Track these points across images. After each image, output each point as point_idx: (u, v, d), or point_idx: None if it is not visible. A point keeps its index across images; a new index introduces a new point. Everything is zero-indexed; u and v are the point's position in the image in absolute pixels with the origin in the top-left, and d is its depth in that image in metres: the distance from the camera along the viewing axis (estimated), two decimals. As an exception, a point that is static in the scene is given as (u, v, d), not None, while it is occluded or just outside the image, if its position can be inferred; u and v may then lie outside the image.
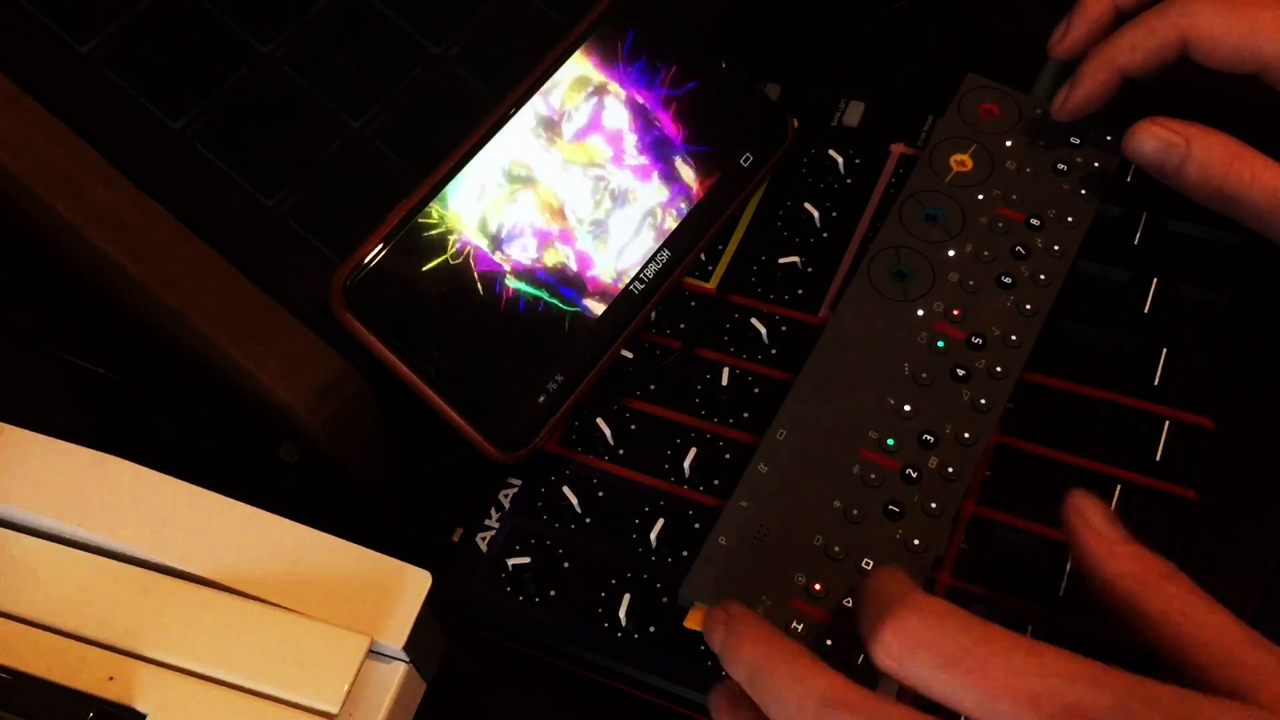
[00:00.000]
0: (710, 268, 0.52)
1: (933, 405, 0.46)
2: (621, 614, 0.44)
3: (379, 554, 0.43)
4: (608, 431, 0.48)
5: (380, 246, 0.46)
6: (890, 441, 0.46)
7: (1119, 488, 0.45)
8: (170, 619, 0.42)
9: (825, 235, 0.52)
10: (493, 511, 0.48)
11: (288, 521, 0.44)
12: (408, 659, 0.43)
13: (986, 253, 0.49)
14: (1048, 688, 0.33)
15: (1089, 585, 0.39)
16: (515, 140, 0.49)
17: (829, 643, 0.42)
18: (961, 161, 0.52)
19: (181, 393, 0.53)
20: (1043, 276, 0.49)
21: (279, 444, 0.51)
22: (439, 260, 0.47)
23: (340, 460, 0.48)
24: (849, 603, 0.42)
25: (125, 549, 0.43)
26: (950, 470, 0.45)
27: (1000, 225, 0.50)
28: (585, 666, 0.46)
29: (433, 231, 0.47)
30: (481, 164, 0.48)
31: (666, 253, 0.51)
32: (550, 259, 0.49)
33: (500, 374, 0.47)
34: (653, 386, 0.50)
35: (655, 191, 0.51)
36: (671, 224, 0.51)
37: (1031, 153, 0.51)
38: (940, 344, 0.47)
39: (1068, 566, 0.44)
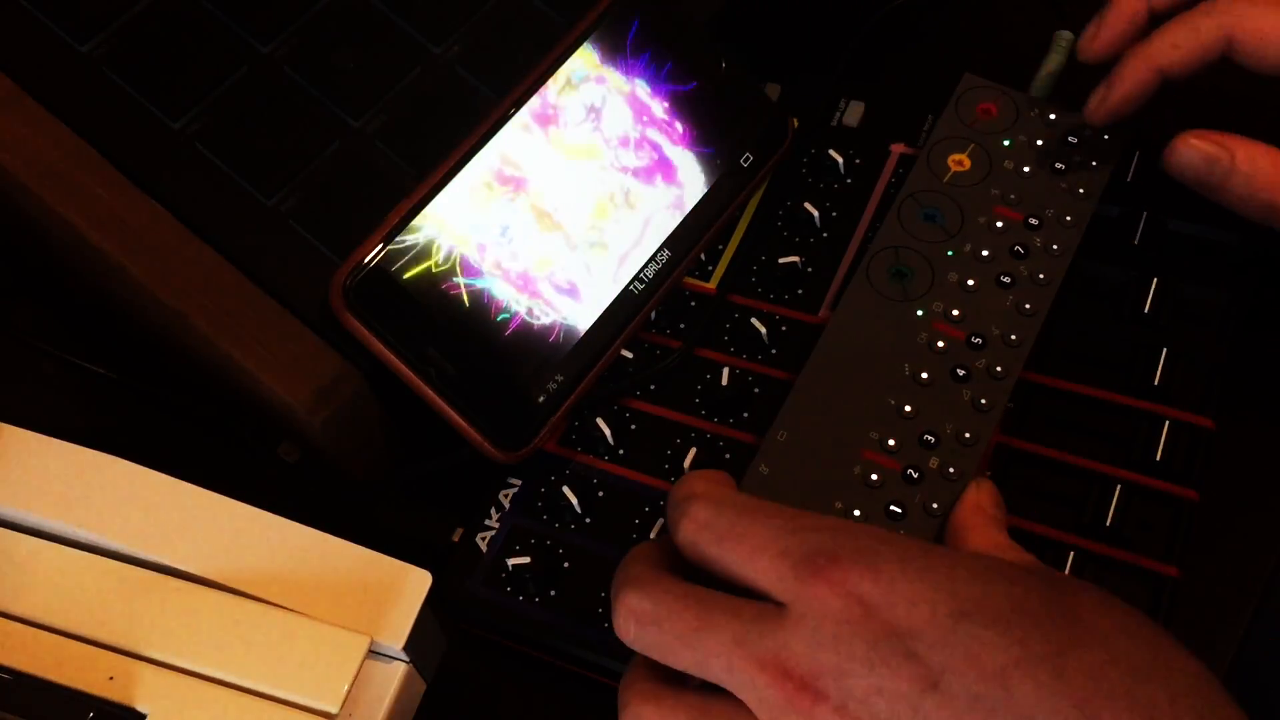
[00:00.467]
0: (710, 268, 0.52)
1: (933, 405, 0.46)
2: (621, 614, 0.44)
3: (379, 554, 0.43)
4: (608, 431, 0.48)
5: (380, 246, 0.46)
6: (891, 442, 0.46)
7: (1119, 488, 0.45)
8: (170, 619, 0.42)
9: (825, 235, 0.52)
10: (493, 511, 0.48)
11: (288, 521, 0.44)
12: (408, 659, 0.43)
13: (985, 252, 0.49)
14: (796, 540, 0.37)
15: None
16: (515, 140, 0.49)
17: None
18: (960, 161, 0.52)
19: (181, 393, 0.53)
20: (1042, 276, 0.49)
21: (279, 444, 0.51)
22: (439, 260, 0.47)
23: (340, 460, 0.48)
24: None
25: (125, 549, 0.43)
26: (951, 470, 0.45)
27: (999, 225, 0.50)
28: (585, 666, 0.46)
29: (433, 231, 0.47)
30: (481, 164, 0.48)
31: (666, 253, 0.51)
32: (550, 259, 0.49)
33: (500, 373, 0.47)
34: (653, 386, 0.50)
35: (655, 192, 0.51)
36: (671, 224, 0.51)
37: (1030, 152, 0.51)
38: (940, 344, 0.47)
39: (1069, 561, 0.44)
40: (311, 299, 0.47)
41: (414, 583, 0.43)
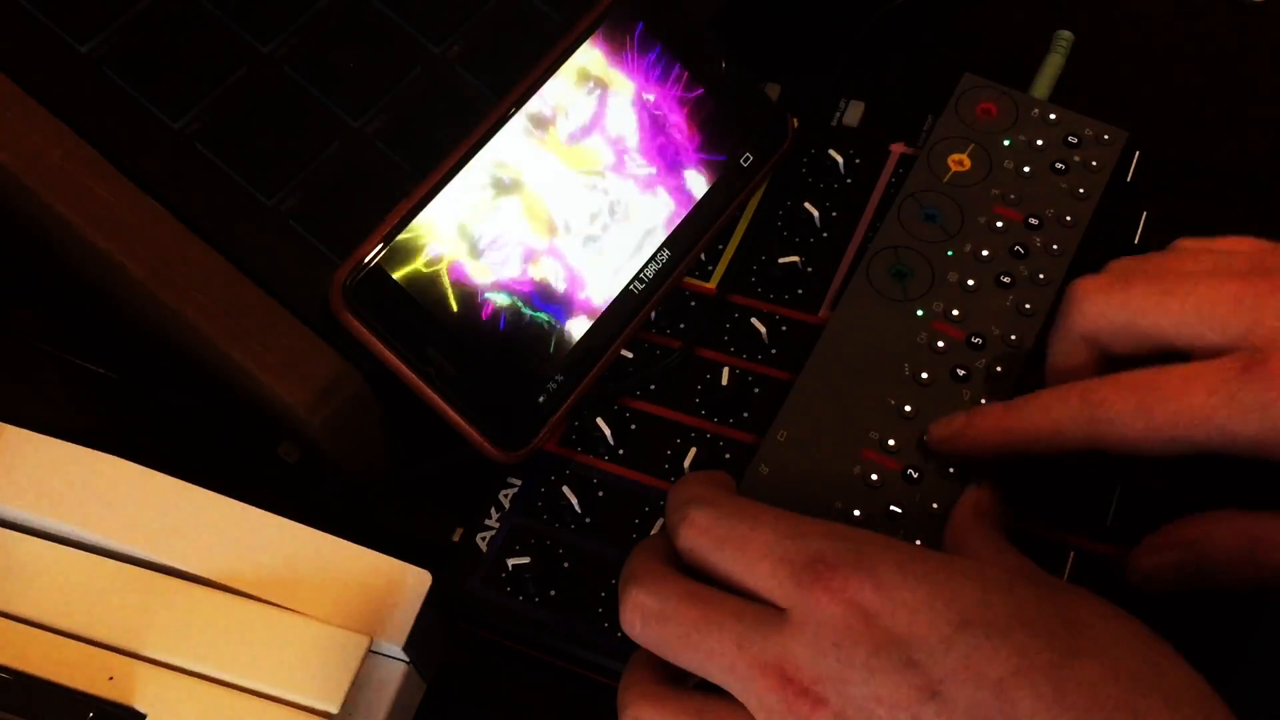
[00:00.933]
0: (710, 268, 0.52)
1: (933, 405, 0.46)
2: (622, 614, 0.44)
3: (379, 554, 0.43)
4: (608, 431, 0.48)
5: (380, 246, 0.46)
6: (891, 442, 0.46)
7: (1118, 488, 0.45)
8: (170, 619, 0.42)
9: (825, 235, 0.52)
10: (493, 511, 0.48)
11: (288, 521, 0.44)
12: (408, 659, 0.43)
13: (985, 252, 0.49)
14: (796, 546, 0.37)
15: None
16: (515, 140, 0.49)
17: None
18: (960, 161, 0.52)
19: (181, 393, 0.53)
20: (1042, 276, 0.49)
21: (279, 444, 0.51)
22: (439, 260, 0.47)
23: (340, 460, 0.48)
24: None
25: (125, 549, 0.43)
26: (951, 470, 0.45)
27: (999, 225, 0.50)
28: (585, 666, 0.46)
29: (433, 231, 0.47)
30: (481, 164, 0.48)
31: (666, 253, 0.51)
32: (550, 259, 0.49)
33: (500, 373, 0.47)
34: (653, 386, 0.50)
35: (655, 192, 0.51)
36: (671, 224, 0.51)
37: (1030, 152, 0.51)
38: (940, 344, 0.47)
39: (1069, 561, 0.44)
40: (311, 299, 0.47)
41: (414, 583, 0.43)
